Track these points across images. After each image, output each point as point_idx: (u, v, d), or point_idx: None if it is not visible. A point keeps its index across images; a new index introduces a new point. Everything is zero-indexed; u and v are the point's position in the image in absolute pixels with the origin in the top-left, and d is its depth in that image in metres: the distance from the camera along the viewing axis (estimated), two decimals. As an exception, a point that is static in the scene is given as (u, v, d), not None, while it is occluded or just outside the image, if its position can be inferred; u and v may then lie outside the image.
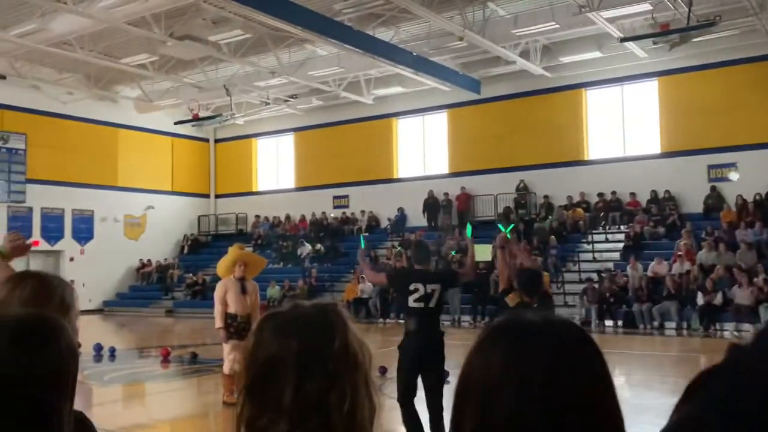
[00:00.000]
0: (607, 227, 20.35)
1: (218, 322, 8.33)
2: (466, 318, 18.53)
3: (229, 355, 8.33)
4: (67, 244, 24.21)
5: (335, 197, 25.90)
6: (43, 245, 23.46)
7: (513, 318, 1.05)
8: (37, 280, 1.79)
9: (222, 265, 8.63)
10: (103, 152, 25.08)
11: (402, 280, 6.16)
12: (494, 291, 18.48)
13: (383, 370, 10.49)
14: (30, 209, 23.11)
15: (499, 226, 9.55)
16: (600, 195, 20.71)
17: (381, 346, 11.42)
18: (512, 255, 6.38)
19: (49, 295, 1.74)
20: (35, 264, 23.23)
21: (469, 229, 6.95)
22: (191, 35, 17.58)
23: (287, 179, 27.52)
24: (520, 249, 7.13)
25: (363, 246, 7.63)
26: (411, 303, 5.81)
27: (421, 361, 5.69)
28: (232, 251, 8.66)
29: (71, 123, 24.05)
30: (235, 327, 8.32)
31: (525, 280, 5.84)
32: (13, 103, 22.41)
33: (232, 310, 8.34)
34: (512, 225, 11.51)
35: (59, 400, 1.26)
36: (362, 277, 19.34)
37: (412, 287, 5.82)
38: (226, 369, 8.37)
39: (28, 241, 2.68)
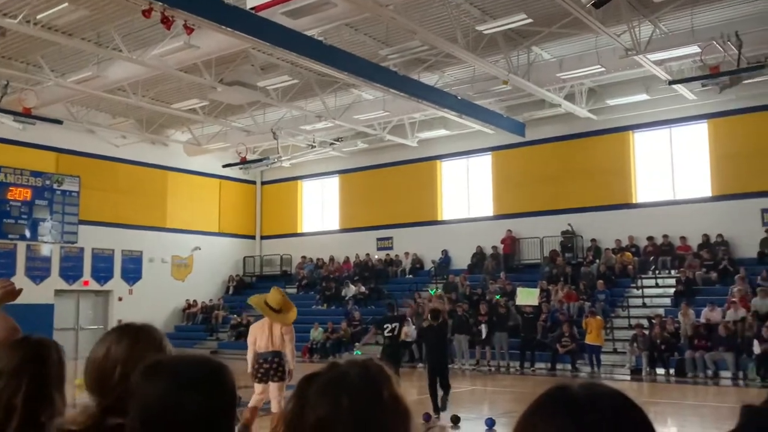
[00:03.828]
0: (658, 272, 19.85)
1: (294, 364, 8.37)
2: (514, 364, 18.18)
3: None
4: (116, 284, 24.66)
5: (379, 239, 25.92)
6: (93, 285, 23.97)
7: (564, 390, 1.04)
8: (150, 332, 1.94)
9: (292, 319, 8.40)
10: (152, 194, 25.66)
11: (382, 322, 12.17)
12: (542, 335, 18.17)
13: (427, 417, 10.32)
14: (81, 250, 23.67)
15: (429, 290, 19.69)
16: (650, 239, 20.28)
17: (423, 393, 11.24)
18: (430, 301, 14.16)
19: (163, 346, 1.91)
20: (85, 303, 23.80)
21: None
22: (240, 81, 18.03)
23: (332, 221, 27.69)
24: (437, 299, 14.09)
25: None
26: (386, 333, 11.67)
27: (390, 359, 10.67)
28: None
29: (123, 166, 24.73)
30: None
31: (432, 313, 11.25)
32: (68, 147, 23.16)
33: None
34: (436, 289, 19.32)
35: (230, 427, 1.50)
36: (407, 320, 19.19)
37: (385, 326, 11.74)
38: (276, 408, 8.30)
39: (18, 288, 2.80)
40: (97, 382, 1.79)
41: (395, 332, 11.62)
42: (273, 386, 8.19)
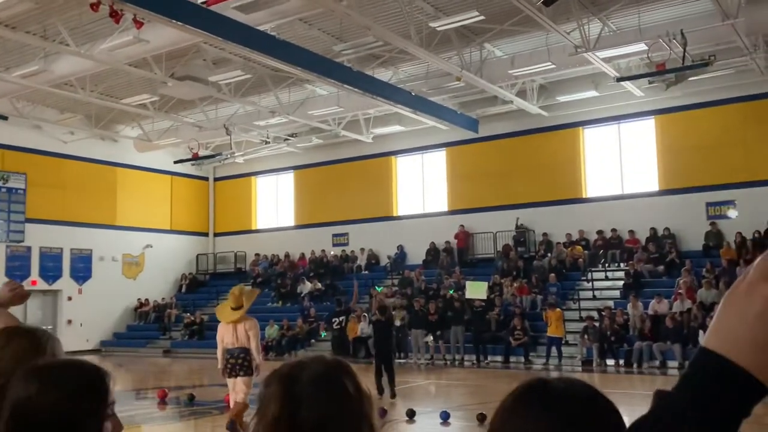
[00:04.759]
0: (607, 265, 20.30)
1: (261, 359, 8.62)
2: (466, 357, 18.39)
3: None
4: (65, 283, 24.10)
5: (335, 235, 25.89)
6: (41, 284, 23.38)
7: (540, 383, 1.09)
8: (27, 337, 1.88)
9: (245, 309, 8.64)
10: (102, 191, 25.13)
11: (330, 316, 17.52)
12: (496, 329, 18.40)
13: (383, 413, 10.38)
14: (28, 249, 23.06)
15: (377, 287, 19.99)
16: (599, 232, 20.71)
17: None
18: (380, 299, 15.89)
19: (41, 349, 1.83)
20: (33, 304, 23.17)
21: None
22: (192, 76, 17.76)
23: (287, 217, 27.54)
24: (384, 296, 17.26)
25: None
26: (334, 326, 17.06)
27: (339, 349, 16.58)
28: (254, 292, 9.25)
29: (71, 162, 24.16)
30: None
31: (380, 308, 13.07)
32: (13, 143, 22.53)
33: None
34: (382, 287, 20.16)
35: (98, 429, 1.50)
36: (364, 315, 19.25)
37: (333, 319, 17.06)
38: (240, 399, 8.56)
39: (27, 289, 2.75)
40: None
41: (343, 324, 14.53)
42: (239, 380, 8.42)
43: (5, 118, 19.61)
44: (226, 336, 8.47)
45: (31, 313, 22.96)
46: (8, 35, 15.25)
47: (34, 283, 23.14)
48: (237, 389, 8.43)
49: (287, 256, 26.29)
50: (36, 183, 23.09)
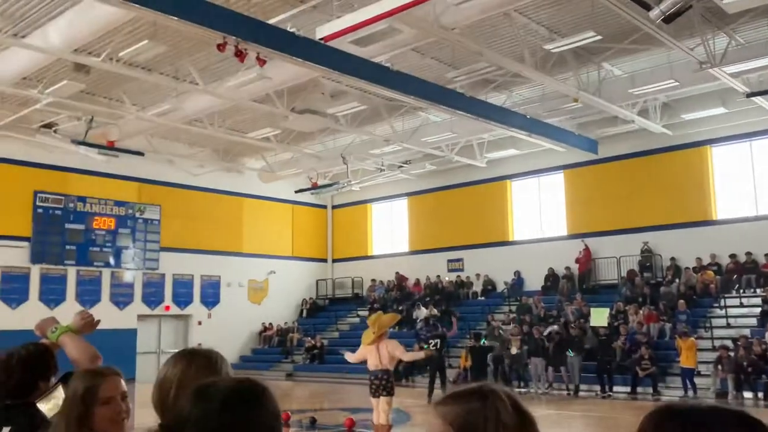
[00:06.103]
0: (742, 291, 19.04)
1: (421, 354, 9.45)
2: (589, 387, 17.69)
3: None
4: (195, 308, 25.40)
5: (449, 260, 25.82)
6: (174, 309, 24.76)
7: (678, 408, 1.06)
8: (205, 357, 2.07)
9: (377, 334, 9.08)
10: (229, 220, 26.39)
11: (427, 338, 17.29)
12: (621, 358, 17.64)
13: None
14: (162, 276, 24.51)
15: (482, 339, 19.46)
16: (732, 256, 19.49)
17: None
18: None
19: (216, 368, 2.01)
20: (167, 327, 24.59)
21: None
22: (311, 109, 18.42)
23: (401, 243, 27.78)
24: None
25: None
26: (431, 346, 15.88)
27: (437, 367, 16.53)
28: (389, 317, 9.95)
29: (201, 194, 25.55)
30: None
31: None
32: (149, 177, 24.13)
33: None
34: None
35: None
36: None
37: (430, 341, 16.64)
38: (384, 421, 9.09)
39: (97, 319, 2.98)
40: (158, 402, 1.97)
41: (438, 346, 16.01)
42: (382, 400, 8.95)
43: (141, 153, 21.05)
44: (369, 359, 9.02)
45: (164, 337, 24.39)
46: (144, 77, 16.43)
47: (167, 308, 24.57)
48: (380, 409, 8.94)
49: (400, 277, 26.31)
50: (169, 214, 24.59)
